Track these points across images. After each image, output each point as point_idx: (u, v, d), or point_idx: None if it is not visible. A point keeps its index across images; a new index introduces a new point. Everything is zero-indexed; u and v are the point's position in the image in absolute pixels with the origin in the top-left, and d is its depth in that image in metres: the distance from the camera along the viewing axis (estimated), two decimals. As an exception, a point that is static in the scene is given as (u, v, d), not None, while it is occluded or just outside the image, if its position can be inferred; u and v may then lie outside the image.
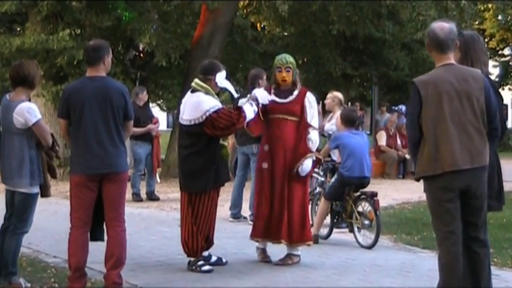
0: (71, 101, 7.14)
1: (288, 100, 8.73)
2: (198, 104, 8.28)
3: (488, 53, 39.45)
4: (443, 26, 6.18)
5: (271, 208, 8.68)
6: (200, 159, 8.28)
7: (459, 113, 6.01)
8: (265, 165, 8.71)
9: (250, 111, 8.41)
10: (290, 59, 8.84)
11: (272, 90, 8.80)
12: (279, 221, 8.66)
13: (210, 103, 8.25)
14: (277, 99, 8.73)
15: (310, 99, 8.82)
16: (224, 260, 8.73)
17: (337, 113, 11.53)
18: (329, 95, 12.04)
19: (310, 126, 8.75)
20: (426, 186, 6.19)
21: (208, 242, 8.56)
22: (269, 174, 8.69)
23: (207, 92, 8.37)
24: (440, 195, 6.06)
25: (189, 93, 8.55)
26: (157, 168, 15.30)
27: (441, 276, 6.15)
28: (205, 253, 8.56)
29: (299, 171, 8.57)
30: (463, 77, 6.07)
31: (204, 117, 8.19)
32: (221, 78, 8.50)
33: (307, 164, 8.64)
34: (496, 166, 6.36)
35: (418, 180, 6.26)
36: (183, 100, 8.59)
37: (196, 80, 8.51)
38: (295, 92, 8.76)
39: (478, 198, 6.06)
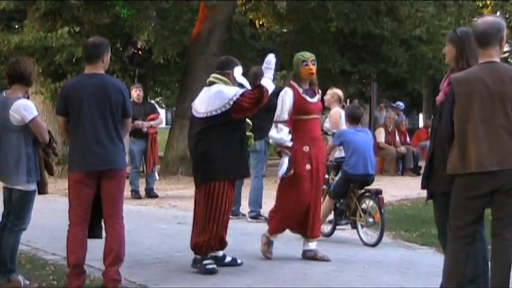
0: (69, 98, 7.14)
1: (316, 99, 8.85)
2: (220, 93, 8.19)
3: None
4: (485, 19, 6.09)
5: (307, 207, 8.78)
6: (224, 150, 8.18)
7: (490, 115, 5.90)
8: (308, 166, 8.66)
9: (270, 84, 8.26)
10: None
11: (299, 90, 8.76)
12: (312, 218, 8.85)
13: (234, 90, 8.20)
14: (309, 99, 8.78)
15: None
16: (239, 261, 8.58)
17: (334, 110, 11.47)
18: (329, 91, 11.96)
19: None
20: (455, 182, 6.08)
21: (223, 243, 8.44)
22: (311, 176, 8.71)
23: (226, 84, 8.34)
24: (463, 191, 5.99)
25: (205, 88, 8.47)
26: (153, 166, 15.20)
27: (444, 268, 6.17)
28: (220, 253, 8.46)
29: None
30: (500, 77, 5.94)
31: (231, 103, 8.08)
32: (238, 73, 8.48)
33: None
34: None
35: (451, 176, 6.12)
36: (199, 96, 8.50)
37: (214, 75, 8.46)
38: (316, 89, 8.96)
39: (509, 196, 5.89)
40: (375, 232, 9.97)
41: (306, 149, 8.66)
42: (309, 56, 8.92)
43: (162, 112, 53.88)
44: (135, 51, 22.13)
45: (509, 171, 5.88)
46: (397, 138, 21.32)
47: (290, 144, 8.62)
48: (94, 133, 7.06)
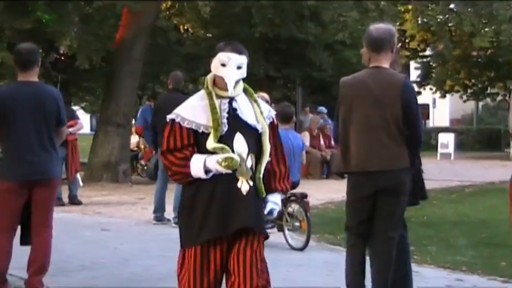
0: (3, 106, 6.95)
1: None
2: None
3: (409, 53, 40.15)
4: (378, 26, 6.30)
5: None
6: None
7: (370, 117, 6.11)
8: None
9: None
10: None
11: None
12: None
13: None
14: None
15: None
16: None
17: None
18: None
19: None
20: (347, 181, 6.38)
21: None
22: None
23: None
24: (351, 191, 6.30)
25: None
26: (74, 173, 15.02)
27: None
28: None
29: None
30: (383, 82, 6.13)
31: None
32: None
33: None
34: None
35: (336, 173, 6.38)
36: None
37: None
38: None
39: (391, 196, 6.16)
40: (300, 235, 10.03)
41: None
42: None
43: (86, 118, 53.48)
44: (58, 56, 21.86)
45: (389, 173, 6.11)
46: (322, 142, 21.54)
47: None
48: (27, 142, 6.94)
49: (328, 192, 16.47)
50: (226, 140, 5.12)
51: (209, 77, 5.34)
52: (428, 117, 56.72)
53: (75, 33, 20.18)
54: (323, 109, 23.71)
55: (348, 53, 29.02)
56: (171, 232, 11.22)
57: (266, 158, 5.28)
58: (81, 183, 16.23)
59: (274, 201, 5.41)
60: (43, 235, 7.10)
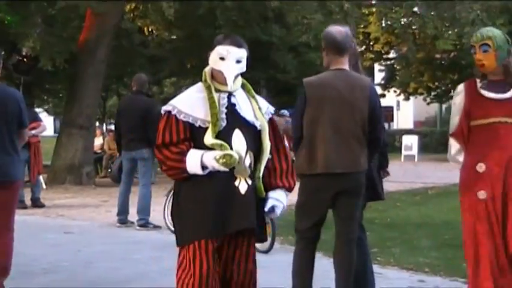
0: None
1: (508, 95, 5.84)
2: None
3: (373, 56, 40.30)
4: (339, 29, 6.29)
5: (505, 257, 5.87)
6: None
7: (339, 120, 6.09)
8: (483, 194, 5.77)
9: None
10: (491, 32, 5.85)
11: (478, 84, 5.88)
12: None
13: None
14: (491, 95, 5.83)
15: None
16: None
17: None
18: None
19: None
20: (302, 183, 6.31)
21: None
22: (492, 207, 5.75)
23: None
24: (310, 192, 6.24)
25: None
26: (37, 175, 14.91)
27: (292, 269, 6.48)
28: None
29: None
30: (351, 85, 6.13)
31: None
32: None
33: None
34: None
35: (299, 175, 6.34)
36: None
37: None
38: None
39: (351, 197, 6.19)
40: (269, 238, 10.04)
41: (482, 167, 5.79)
42: (478, 38, 5.85)
43: (50, 120, 53.16)
44: (20, 58, 21.69)
45: (353, 174, 6.14)
46: (286, 144, 21.55)
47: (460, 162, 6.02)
48: None
49: (291, 194, 16.41)
50: (224, 136, 4.94)
51: (207, 70, 5.21)
52: (392, 120, 57.14)
53: (38, 35, 20.04)
54: (285, 112, 23.78)
55: (312, 55, 29.10)
56: (134, 235, 11.20)
57: (266, 156, 5.12)
58: (44, 186, 16.17)
59: (275, 198, 5.25)
60: (4, 238, 7.00)
